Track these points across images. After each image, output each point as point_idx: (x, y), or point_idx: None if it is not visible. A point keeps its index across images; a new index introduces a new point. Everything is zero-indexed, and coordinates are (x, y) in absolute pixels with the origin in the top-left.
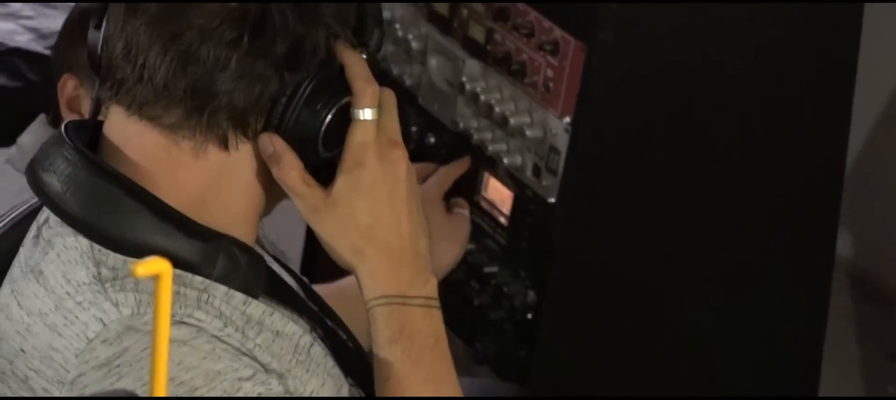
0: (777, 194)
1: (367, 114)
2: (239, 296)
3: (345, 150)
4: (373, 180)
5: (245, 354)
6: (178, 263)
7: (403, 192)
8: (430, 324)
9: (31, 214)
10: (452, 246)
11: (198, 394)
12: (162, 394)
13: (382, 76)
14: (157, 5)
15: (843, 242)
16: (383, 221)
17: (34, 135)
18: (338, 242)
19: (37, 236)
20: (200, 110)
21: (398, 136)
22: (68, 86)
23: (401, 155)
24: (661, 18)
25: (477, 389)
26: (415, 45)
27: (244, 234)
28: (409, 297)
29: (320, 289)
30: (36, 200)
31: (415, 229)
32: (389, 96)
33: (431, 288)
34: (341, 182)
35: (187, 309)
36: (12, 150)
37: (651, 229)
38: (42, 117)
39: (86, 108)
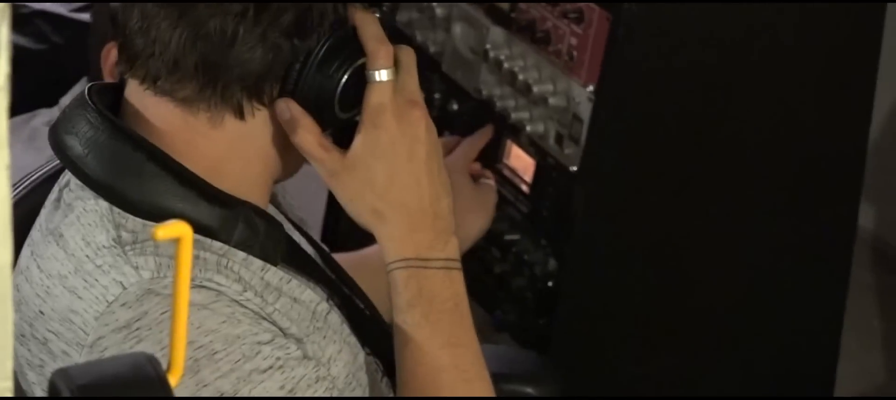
0: (800, 166)
1: (382, 75)
2: (257, 262)
3: (362, 112)
4: (391, 142)
5: (264, 319)
6: (197, 228)
7: (422, 153)
8: (451, 287)
9: (52, 177)
10: (479, 217)
11: (217, 357)
12: (181, 356)
13: (401, 35)
14: None
15: (864, 214)
16: (402, 183)
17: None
18: (357, 204)
19: (57, 199)
20: (213, 84)
21: (417, 96)
22: (112, 54)
23: (420, 115)
24: None
25: (496, 355)
26: (439, 11)
27: (258, 198)
28: (428, 259)
29: (342, 258)
30: (58, 162)
31: (435, 190)
32: (408, 54)
33: (452, 249)
34: (359, 144)
35: (207, 273)
36: (53, 111)
37: (672, 199)
38: (84, 80)
39: None
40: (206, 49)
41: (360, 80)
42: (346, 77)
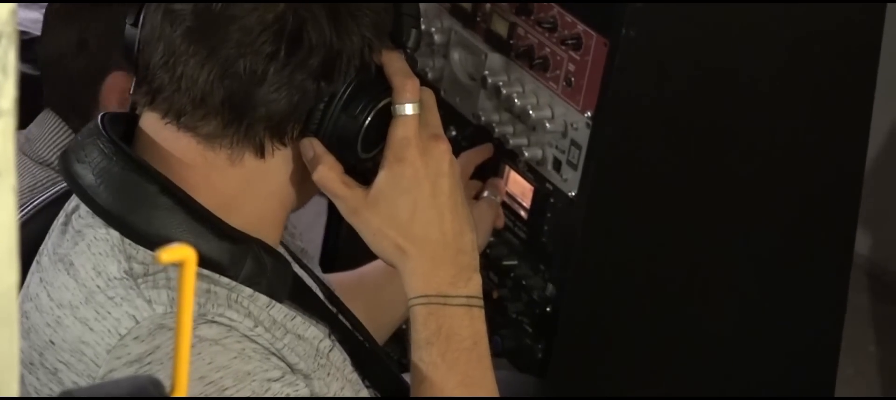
0: (796, 192)
1: (407, 108)
2: (263, 298)
3: (386, 147)
4: (415, 175)
5: (274, 354)
6: (206, 262)
7: (446, 187)
8: (470, 325)
9: (59, 200)
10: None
11: (227, 394)
12: (184, 378)
13: (419, 77)
14: (194, 17)
15: (861, 240)
16: (425, 217)
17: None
18: (380, 241)
19: (65, 224)
20: (238, 122)
21: (440, 131)
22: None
23: (444, 149)
24: (684, 15)
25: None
26: (438, 38)
27: (271, 234)
28: (449, 296)
29: (340, 277)
30: (64, 185)
31: (458, 225)
32: (429, 94)
33: (474, 286)
34: (383, 179)
35: (219, 308)
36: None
37: (670, 225)
38: (46, 111)
39: None
40: (234, 87)
41: (382, 121)
42: (369, 118)
